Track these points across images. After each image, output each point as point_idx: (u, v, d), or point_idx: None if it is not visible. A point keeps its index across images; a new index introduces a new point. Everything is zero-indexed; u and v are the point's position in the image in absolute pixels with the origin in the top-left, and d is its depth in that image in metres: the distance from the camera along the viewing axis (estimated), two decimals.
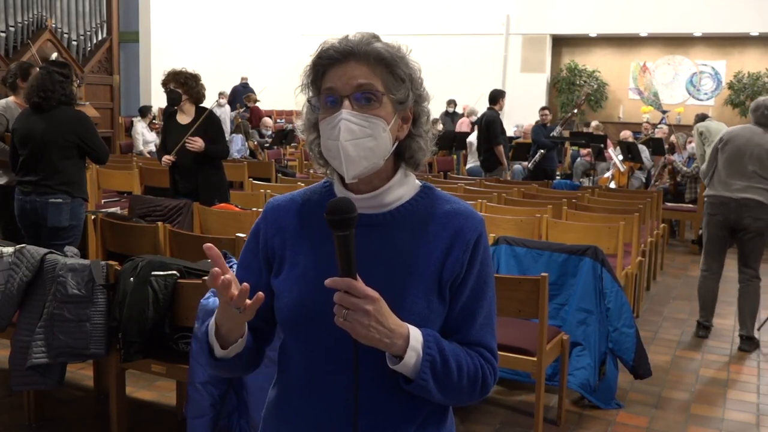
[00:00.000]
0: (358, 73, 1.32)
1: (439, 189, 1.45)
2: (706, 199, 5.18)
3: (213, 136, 5.10)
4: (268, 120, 12.58)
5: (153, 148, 11.34)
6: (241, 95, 15.16)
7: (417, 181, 1.43)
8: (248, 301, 1.25)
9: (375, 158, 1.33)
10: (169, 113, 5.30)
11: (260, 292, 1.26)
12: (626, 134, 10.56)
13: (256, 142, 10.99)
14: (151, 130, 11.64)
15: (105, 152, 4.65)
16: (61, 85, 4.36)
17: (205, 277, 3.04)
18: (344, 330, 1.23)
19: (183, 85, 5.08)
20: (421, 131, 1.40)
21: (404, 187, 1.40)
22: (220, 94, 13.63)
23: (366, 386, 1.30)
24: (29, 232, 4.47)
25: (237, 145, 10.67)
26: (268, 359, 1.52)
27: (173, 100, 5.13)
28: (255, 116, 13.72)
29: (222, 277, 1.23)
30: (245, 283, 1.25)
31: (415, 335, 1.28)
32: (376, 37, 1.35)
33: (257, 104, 14.32)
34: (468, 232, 1.37)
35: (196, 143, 4.95)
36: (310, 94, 1.37)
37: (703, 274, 5.23)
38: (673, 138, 10.19)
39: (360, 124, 1.31)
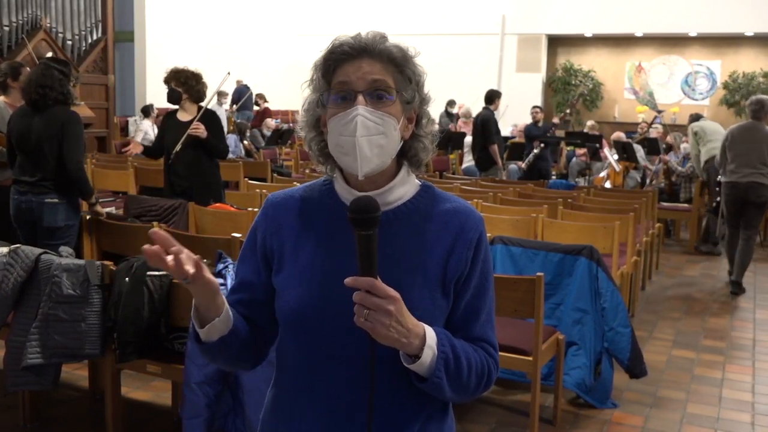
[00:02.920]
0: (373, 69, 1.32)
1: (438, 188, 1.46)
2: (722, 182, 6.78)
3: (214, 135, 5.10)
4: (269, 121, 12.62)
5: None
6: (245, 94, 15.22)
7: (417, 180, 1.44)
8: (189, 269, 1.20)
9: (385, 156, 1.34)
10: (169, 112, 5.31)
11: (197, 256, 1.23)
12: (618, 135, 10.56)
13: (249, 142, 10.97)
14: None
15: (75, 162, 4.29)
16: (60, 82, 4.31)
17: None
18: (347, 328, 1.23)
19: (183, 84, 5.08)
20: (423, 131, 1.41)
21: (406, 186, 1.40)
22: (221, 94, 13.70)
23: (378, 385, 1.29)
24: (24, 232, 4.45)
25: (231, 146, 10.67)
26: (265, 360, 1.52)
27: (173, 99, 5.13)
28: (266, 116, 13.87)
29: (148, 247, 1.17)
30: (182, 252, 1.21)
31: (430, 334, 1.28)
32: (386, 37, 1.36)
33: (266, 105, 14.48)
34: (470, 231, 1.38)
35: (199, 128, 4.95)
36: (320, 88, 1.37)
37: (727, 237, 6.84)
38: (669, 138, 10.21)
39: (374, 120, 1.31)
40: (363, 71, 1.32)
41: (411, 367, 1.28)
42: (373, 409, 1.29)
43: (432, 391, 1.31)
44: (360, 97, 1.31)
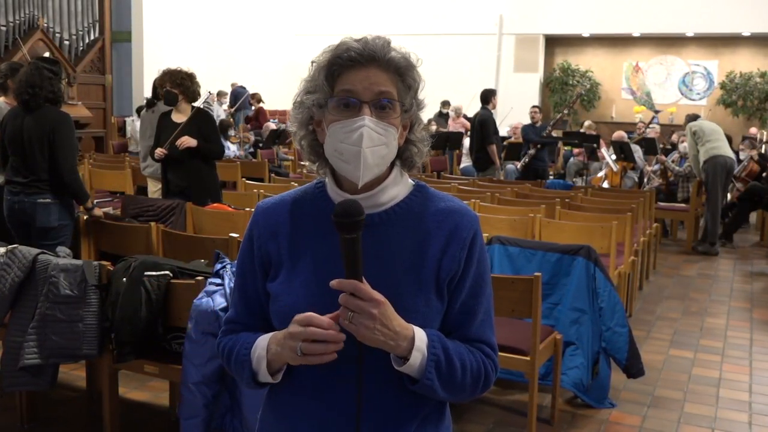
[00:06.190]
0: (380, 79, 1.31)
1: (432, 187, 1.45)
2: None
3: (207, 136, 5.09)
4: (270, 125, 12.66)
5: None
6: (242, 96, 15.22)
7: (410, 180, 1.44)
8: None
9: (384, 165, 1.35)
10: (163, 113, 5.30)
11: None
12: (620, 135, 10.56)
13: (235, 135, 10.96)
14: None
15: (69, 168, 4.26)
16: (50, 82, 4.28)
17: (199, 278, 3.03)
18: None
19: (179, 86, 5.08)
20: (416, 137, 1.41)
21: (398, 187, 1.40)
22: (221, 94, 13.69)
23: (369, 385, 1.30)
24: (19, 233, 4.44)
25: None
26: None
27: (170, 100, 5.12)
28: (262, 117, 13.85)
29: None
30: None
31: (420, 336, 1.28)
32: (391, 43, 1.35)
33: (261, 105, 14.48)
34: (464, 230, 1.37)
35: (183, 141, 4.96)
36: (321, 91, 1.34)
37: None
38: (674, 137, 10.23)
39: (379, 132, 1.31)
40: (370, 81, 1.31)
41: (400, 369, 1.29)
42: (363, 409, 1.29)
43: (424, 392, 1.32)
44: (366, 108, 1.30)
